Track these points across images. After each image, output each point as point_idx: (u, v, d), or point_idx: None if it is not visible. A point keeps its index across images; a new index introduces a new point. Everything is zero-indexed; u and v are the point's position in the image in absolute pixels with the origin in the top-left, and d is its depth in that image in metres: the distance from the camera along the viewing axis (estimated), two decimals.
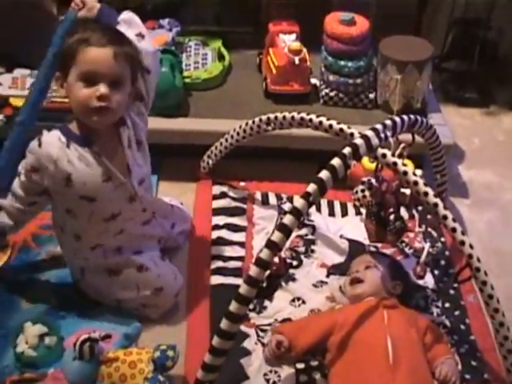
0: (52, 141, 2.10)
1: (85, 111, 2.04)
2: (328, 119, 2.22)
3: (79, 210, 2.16)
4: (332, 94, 2.94)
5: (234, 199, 2.75)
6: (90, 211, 2.16)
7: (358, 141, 1.88)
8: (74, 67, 2.00)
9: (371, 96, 2.95)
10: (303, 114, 2.31)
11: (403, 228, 2.26)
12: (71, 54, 2.00)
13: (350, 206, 2.78)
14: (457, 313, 2.37)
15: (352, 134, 2.11)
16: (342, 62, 2.92)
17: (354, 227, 2.64)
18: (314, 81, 3.01)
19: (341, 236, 2.63)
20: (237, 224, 2.64)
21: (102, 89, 1.99)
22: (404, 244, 2.61)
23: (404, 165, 1.99)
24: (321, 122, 2.23)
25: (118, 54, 2.01)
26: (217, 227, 2.61)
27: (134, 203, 2.22)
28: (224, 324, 1.79)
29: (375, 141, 1.90)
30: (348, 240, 2.60)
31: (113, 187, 2.14)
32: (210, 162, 2.76)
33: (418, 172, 2.54)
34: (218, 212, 2.68)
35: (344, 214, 2.77)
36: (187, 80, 2.97)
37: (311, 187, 1.78)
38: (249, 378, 2.09)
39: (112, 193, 2.15)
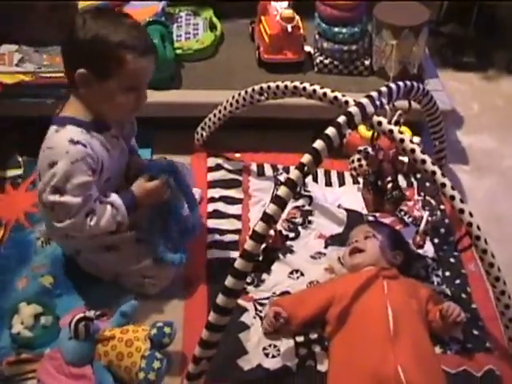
0: (76, 137, 2.01)
1: (122, 113, 2.12)
2: (322, 87, 2.18)
3: None
4: (326, 61, 2.89)
5: (229, 171, 2.72)
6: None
7: (353, 109, 1.83)
8: (118, 76, 2.00)
9: (366, 63, 2.90)
10: (296, 83, 2.27)
11: (401, 197, 2.22)
12: (116, 60, 1.98)
13: (347, 175, 2.75)
14: (458, 281, 2.35)
15: (347, 102, 2.07)
16: (336, 29, 2.87)
17: (352, 197, 2.61)
18: (308, 49, 2.96)
19: (338, 206, 2.60)
20: (233, 196, 2.61)
21: (145, 95, 2.09)
22: (403, 213, 2.58)
23: (401, 132, 1.95)
24: (315, 91, 2.19)
25: (155, 58, 2.09)
26: (213, 200, 2.58)
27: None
28: (220, 299, 1.76)
29: (370, 108, 1.86)
30: (346, 210, 2.57)
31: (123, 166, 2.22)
32: (204, 133, 2.72)
33: (416, 139, 2.50)
34: (213, 184, 2.65)
35: (341, 183, 2.74)
36: (179, 51, 2.92)
37: (306, 158, 1.74)
38: (248, 352, 2.07)
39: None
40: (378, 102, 1.89)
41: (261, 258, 2.34)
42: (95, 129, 2.07)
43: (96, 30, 1.96)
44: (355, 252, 2.25)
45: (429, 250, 2.44)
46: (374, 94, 1.90)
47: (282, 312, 2.06)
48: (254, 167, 2.75)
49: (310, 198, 2.61)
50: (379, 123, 1.96)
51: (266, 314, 2.13)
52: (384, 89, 1.94)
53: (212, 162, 2.75)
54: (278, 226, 2.43)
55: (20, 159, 2.76)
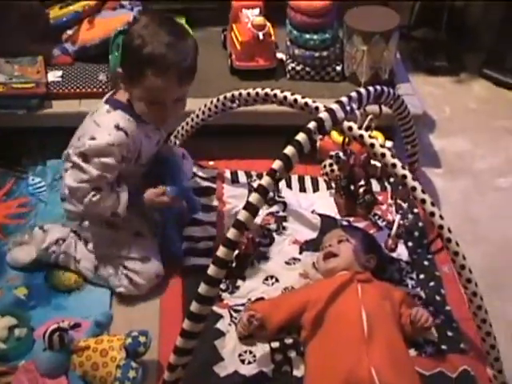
0: (122, 123, 2.16)
1: (149, 120, 2.21)
2: (292, 94, 2.19)
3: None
4: (298, 68, 2.91)
5: (203, 179, 2.71)
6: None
7: (323, 114, 1.84)
8: (139, 87, 2.08)
9: (338, 69, 2.92)
10: (267, 90, 2.28)
11: (373, 201, 2.23)
12: (138, 71, 2.05)
13: (321, 180, 2.76)
14: (432, 284, 2.36)
15: (317, 108, 2.07)
16: (308, 35, 2.89)
17: (326, 202, 2.62)
18: (280, 55, 2.98)
19: (312, 211, 2.61)
20: (207, 204, 2.60)
21: (180, 107, 2.20)
22: (377, 217, 2.60)
23: (371, 137, 1.95)
24: (285, 97, 2.20)
25: (188, 80, 2.18)
26: None
27: None
28: (194, 307, 1.76)
29: (340, 114, 1.87)
30: (320, 215, 2.58)
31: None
32: (178, 142, 2.72)
33: (388, 144, 2.53)
34: None
35: (315, 189, 2.74)
36: None
37: (276, 164, 1.74)
38: (223, 359, 2.07)
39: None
40: (348, 108, 1.90)
41: (234, 265, 2.33)
42: (142, 119, 2.18)
43: (138, 35, 2.04)
44: (329, 257, 2.25)
45: (403, 253, 2.45)
46: (344, 99, 1.90)
47: (256, 314, 2.07)
48: (227, 174, 2.75)
49: (284, 203, 2.61)
50: (350, 128, 1.96)
51: (240, 318, 2.14)
52: (354, 94, 1.95)
53: None
54: (250, 234, 2.43)
55: None
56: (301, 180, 2.77)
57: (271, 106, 2.36)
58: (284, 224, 2.54)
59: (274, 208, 2.60)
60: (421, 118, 2.79)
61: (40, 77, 2.74)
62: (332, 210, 2.53)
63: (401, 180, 1.89)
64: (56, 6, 3.01)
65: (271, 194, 2.62)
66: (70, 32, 2.98)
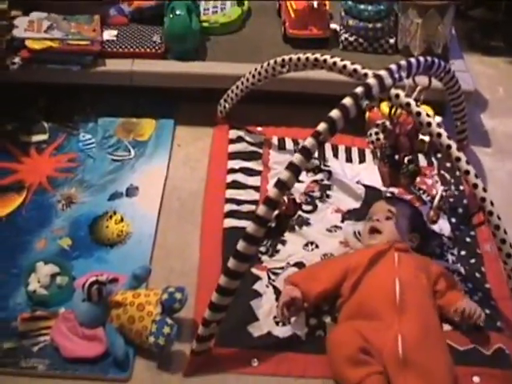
0: None
1: None
2: (342, 60, 2.18)
3: None
4: (351, 38, 2.89)
5: (250, 144, 2.72)
6: None
7: (371, 80, 1.84)
8: None
9: (391, 41, 2.90)
10: (317, 55, 2.27)
11: (416, 171, 2.22)
12: None
13: (368, 152, 2.75)
14: (472, 261, 2.34)
15: (366, 75, 2.07)
16: (362, 6, 2.87)
17: (372, 174, 2.59)
18: (333, 26, 2.96)
19: (357, 182, 2.61)
20: (252, 168, 2.62)
21: None
22: (422, 191, 2.58)
23: (418, 106, 1.95)
24: (335, 63, 2.20)
25: None
26: (232, 171, 2.59)
27: None
28: (231, 263, 1.79)
29: (388, 81, 1.86)
30: (364, 186, 2.58)
31: None
32: (227, 105, 2.73)
33: (438, 119, 2.50)
34: (233, 156, 2.66)
35: (362, 160, 2.74)
36: (205, 24, 2.94)
37: (321, 126, 1.75)
38: (258, 319, 2.08)
39: None
40: (396, 75, 1.89)
41: (274, 225, 2.35)
42: None
43: None
44: (374, 232, 2.25)
45: (445, 228, 2.43)
46: (393, 66, 1.90)
47: (297, 297, 2.06)
48: (275, 141, 2.76)
49: (330, 172, 2.62)
50: (397, 96, 1.96)
51: (279, 301, 2.10)
52: (403, 62, 1.94)
53: (233, 134, 2.75)
54: (291, 195, 2.44)
55: (46, 125, 2.79)
56: (347, 151, 2.76)
57: (321, 73, 2.37)
58: (328, 192, 2.54)
59: (319, 176, 2.60)
60: (472, 95, 2.75)
61: (95, 35, 2.77)
62: (377, 182, 2.51)
63: (445, 151, 1.88)
64: None
65: (317, 162, 2.64)
66: None
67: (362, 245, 2.29)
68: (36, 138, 2.74)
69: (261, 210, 1.75)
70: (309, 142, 1.75)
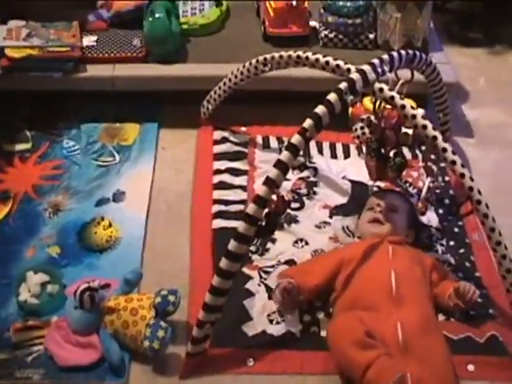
0: None
1: None
2: (324, 56, 2.18)
3: None
4: (331, 35, 2.90)
5: (235, 144, 2.73)
6: None
7: (355, 75, 1.85)
8: None
9: (371, 36, 2.90)
10: (299, 52, 2.27)
11: (403, 163, 2.22)
12: None
13: (352, 147, 2.75)
14: (462, 251, 2.36)
15: (349, 70, 2.07)
16: (341, 3, 2.87)
17: (357, 169, 2.61)
18: (313, 23, 2.97)
19: (343, 177, 2.62)
20: (238, 168, 2.62)
21: None
22: (408, 184, 2.60)
23: (402, 99, 1.96)
24: (317, 60, 2.19)
25: None
26: (218, 172, 2.59)
27: None
28: (223, 263, 1.79)
29: (372, 75, 1.88)
30: (350, 181, 2.59)
31: None
32: (210, 106, 2.73)
33: (420, 111, 2.51)
34: (219, 157, 2.66)
35: (346, 155, 2.75)
36: (185, 26, 2.93)
37: (307, 123, 1.76)
38: (252, 318, 2.09)
39: None
40: (379, 70, 1.90)
41: (263, 223, 2.35)
42: None
43: None
44: (376, 222, 2.26)
45: (433, 219, 2.45)
46: (376, 61, 1.92)
47: (293, 286, 2.06)
48: (259, 140, 2.77)
49: (315, 169, 2.63)
50: (381, 90, 1.97)
51: (274, 289, 2.12)
52: (386, 56, 1.96)
53: (218, 134, 2.76)
54: (280, 192, 2.43)
55: (28, 134, 2.77)
56: (332, 147, 2.77)
57: (303, 71, 2.38)
58: (315, 189, 2.55)
59: (305, 173, 2.61)
60: (454, 86, 2.77)
61: (75, 41, 2.76)
62: (363, 177, 2.53)
63: (431, 142, 1.89)
64: None
65: (302, 159, 2.64)
66: None
67: (358, 233, 2.31)
68: (19, 147, 2.73)
69: (251, 208, 1.75)
70: (296, 138, 1.75)
